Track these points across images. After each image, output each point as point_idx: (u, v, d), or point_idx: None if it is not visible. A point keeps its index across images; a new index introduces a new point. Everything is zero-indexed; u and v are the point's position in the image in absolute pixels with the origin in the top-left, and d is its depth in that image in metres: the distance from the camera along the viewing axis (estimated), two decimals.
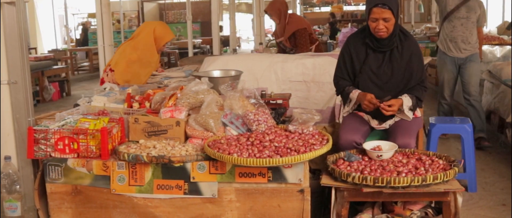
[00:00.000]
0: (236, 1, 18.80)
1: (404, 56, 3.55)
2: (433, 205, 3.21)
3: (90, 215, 3.27)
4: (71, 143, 3.22)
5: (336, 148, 3.44)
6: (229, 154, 2.94)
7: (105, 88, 4.38)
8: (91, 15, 19.58)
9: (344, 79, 3.68)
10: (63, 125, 3.32)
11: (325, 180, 3.02)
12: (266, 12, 7.16)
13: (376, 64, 3.57)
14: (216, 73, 4.07)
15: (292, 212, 3.08)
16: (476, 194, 4.46)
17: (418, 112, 3.71)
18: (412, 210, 3.04)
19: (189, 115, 3.44)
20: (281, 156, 2.92)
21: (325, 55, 5.06)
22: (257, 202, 3.08)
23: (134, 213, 3.21)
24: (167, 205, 3.16)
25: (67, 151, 3.22)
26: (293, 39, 6.68)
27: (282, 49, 6.97)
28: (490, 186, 4.66)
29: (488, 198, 4.38)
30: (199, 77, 3.78)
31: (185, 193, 3.12)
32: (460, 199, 2.93)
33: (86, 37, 19.17)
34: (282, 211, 3.08)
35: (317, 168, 3.71)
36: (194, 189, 3.11)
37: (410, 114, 3.53)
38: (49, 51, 15.87)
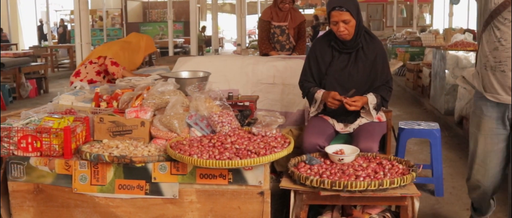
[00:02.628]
0: (220, 2, 18.77)
1: (369, 57, 3.60)
2: (392, 209, 3.25)
3: (52, 214, 3.26)
4: (34, 142, 3.21)
5: (300, 151, 3.47)
6: (189, 155, 2.95)
7: (75, 87, 4.37)
8: None
9: (308, 82, 3.71)
10: (27, 123, 3.30)
11: (285, 183, 3.03)
12: None
13: (341, 65, 3.61)
14: (184, 74, 4.05)
15: (252, 214, 3.09)
16: (442, 199, 4.52)
17: (382, 116, 3.76)
18: (370, 214, 3.06)
19: (154, 115, 3.45)
20: (241, 158, 2.93)
21: (297, 58, 5.09)
22: (218, 203, 3.10)
23: (96, 213, 3.20)
24: (129, 205, 3.16)
25: (30, 149, 3.21)
26: (296, 30, 6.47)
27: (266, 31, 6.36)
28: (458, 191, 4.72)
29: (454, 203, 4.44)
30: (166, 78, 3.78)
31: (146, 193, 3.13)
32: (417, 204, 2.96)
33: (67, 34, 19.10)
34: (242, 213, 3.09)
35: (283, 170, 3.73)
36: (155, 190, 3.12)
37: (374, 113, 3.58)
38: (30, 48, 15.78)
